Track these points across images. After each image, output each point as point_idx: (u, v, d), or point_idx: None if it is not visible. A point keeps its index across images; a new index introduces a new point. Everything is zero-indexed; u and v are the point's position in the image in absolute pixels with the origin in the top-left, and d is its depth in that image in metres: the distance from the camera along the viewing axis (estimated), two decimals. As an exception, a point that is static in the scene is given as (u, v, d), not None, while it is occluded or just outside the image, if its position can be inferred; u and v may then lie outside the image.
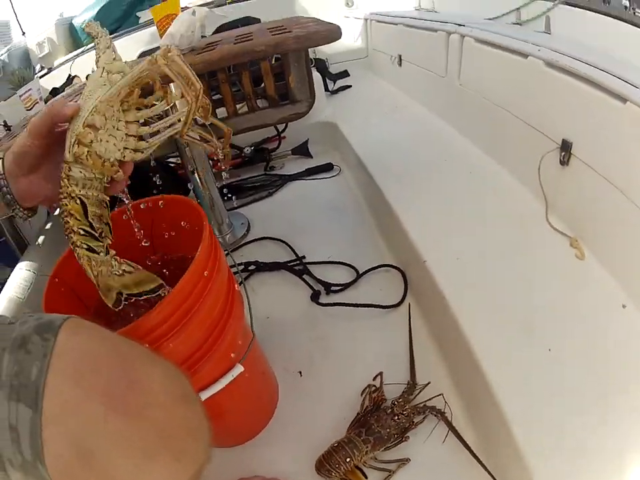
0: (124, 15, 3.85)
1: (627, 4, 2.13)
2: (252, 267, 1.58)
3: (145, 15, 3.84)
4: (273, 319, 1.39)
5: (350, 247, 1.65)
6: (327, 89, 2.96)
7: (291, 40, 1.31)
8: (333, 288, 1.45)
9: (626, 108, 1.08)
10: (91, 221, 0.62)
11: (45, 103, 2.05)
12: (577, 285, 1.16)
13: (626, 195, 1.10)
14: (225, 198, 1.89)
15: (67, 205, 0.62)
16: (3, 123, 2.03)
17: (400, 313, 1.34)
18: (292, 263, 1.60)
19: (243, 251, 1.72)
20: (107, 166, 0.63)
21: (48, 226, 1.70)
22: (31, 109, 2.01)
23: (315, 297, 1.43)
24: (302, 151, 2.39)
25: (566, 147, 1.32)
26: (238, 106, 1.71)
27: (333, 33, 1.40)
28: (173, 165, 2.21)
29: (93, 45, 3.65)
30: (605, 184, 1.17)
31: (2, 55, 3.58)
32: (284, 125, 2.29)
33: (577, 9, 2.02)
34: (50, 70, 3.48)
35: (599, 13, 1.92)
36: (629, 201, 1.09)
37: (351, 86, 3.09)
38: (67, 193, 0.62)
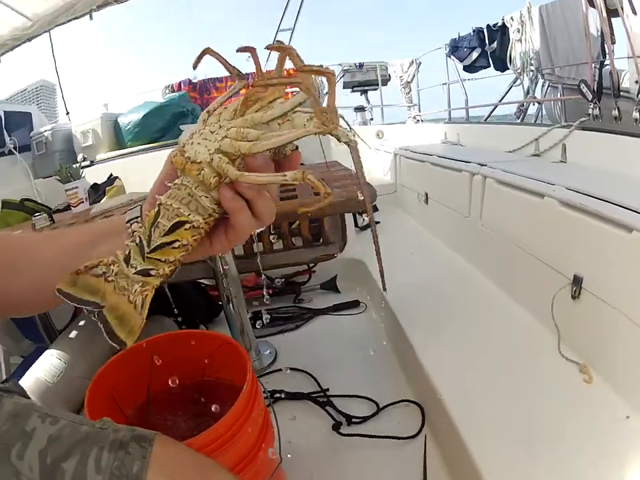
0: (167, 125, 3.99)
1: (637, 116, 2.34)
2: (277, 395, 1.66)
3: (188, 130, 4.12)
4: (294, 443, 1.44)
5: (371, 381, 1.73)
6: (356, 225, 3.14)
7: (329, 208, 1.49)
8: (354, 420, 1.52)
9: (631, 237, 1.22)
10: (151, 232, 0.55)
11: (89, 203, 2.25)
12: (584, 405, 1.25)
13: (630, 319, 1.22)
14: (258, 326, 2.02)
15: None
16: (47, 213, 2.12)
17: (416, 445, 1.40)
18: (316, 394, 1.67)
19: (269, 379, 1.81)
20: (188, 166, 0.56)
21: (81, 323, 1.83)
22: (76, 206, 2.19)
23: (336, 427, 1.50)
24: (330, 286, 2.53)
25: (577, 281, 1.45)
26: (273, 240, 1.89)
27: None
28: (204, 285, 2.38)
29: (139, 148, 3.96)
30: (612, 312, 1.29)
31: (46, 131, 3.81)
32: (315, 260, 2.45)
33: (590, 132, 2.23)
34: (92, 163, 3.73)
35: (611, 132, 2.13)
36: (633, 324, 1.20)
37: (379, 222, 3.28)
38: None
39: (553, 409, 1.26)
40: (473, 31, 6.49)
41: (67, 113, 4.66)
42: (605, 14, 3.61)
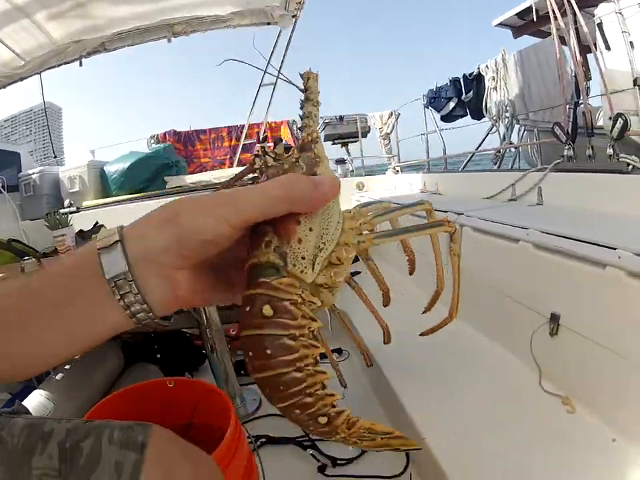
0: (152, 176, 4.23)
1: (611, 152, 2.49)
2: (262, 440, 1.74)
3: (172, 181, 4.27)
4: (280, 486, 1.52)
5: (356, 424, 1.81)
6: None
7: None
8: (339, 462, 1.61)
9: (605, 273, 1.34)
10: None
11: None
12: (570, 435, 1.35)
13: (607, 348, 1.34)
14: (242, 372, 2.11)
15: None
16: (36, 257, 2.25)
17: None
18: (300, 439, 1.75)
19: (254, 425, 1.88)
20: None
21: (67, 366, 1.84)
22: (64, 253, 2.31)
23: (321, 469, 1.58)
24: (314, 335, 2.60)
25: (555, 319, 1.56)
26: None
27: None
28: (189, 335, 2.46)
29: (123, 198, 4.09)
30: (590, 344, 1.41)
31: (34, 174, 3.94)
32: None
33: (565, 173, 2.38)
34: (78, 209, 3.84)
35: (584, 171, 2.30)
36: (610, 352, 1.33)
37: (360, 272, 3.38)
38: None
39: (540, 440, 1.35)
40: (450, 81, 6.85)
41: (55, 157, 4.85)
42: (577, 52, 3.76)
